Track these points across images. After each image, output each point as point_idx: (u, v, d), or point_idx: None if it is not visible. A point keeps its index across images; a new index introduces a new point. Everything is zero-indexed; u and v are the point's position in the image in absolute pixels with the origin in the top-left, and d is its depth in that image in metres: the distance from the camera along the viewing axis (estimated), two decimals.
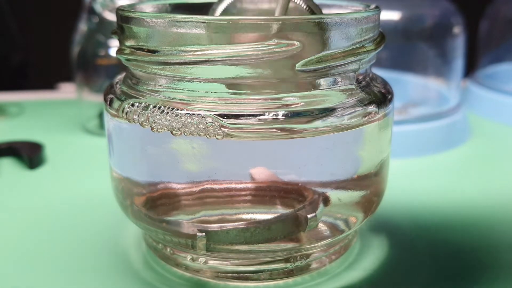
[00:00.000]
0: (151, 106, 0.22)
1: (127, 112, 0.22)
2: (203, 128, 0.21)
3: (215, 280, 0.25)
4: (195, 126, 0.21)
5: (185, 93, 0.22)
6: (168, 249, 0.25)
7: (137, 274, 0.25)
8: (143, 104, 0.22)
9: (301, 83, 0.22)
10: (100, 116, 0.47)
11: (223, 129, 0.20)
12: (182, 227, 0.23)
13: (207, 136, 0.21)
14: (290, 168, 0.23)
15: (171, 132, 0.21)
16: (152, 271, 0.26)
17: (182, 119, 0.21)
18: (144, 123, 0.22)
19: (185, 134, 0.21)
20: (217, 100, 0.21)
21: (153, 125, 0.21)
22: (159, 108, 0.21)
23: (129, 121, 0.22)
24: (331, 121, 0.21)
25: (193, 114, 0.21)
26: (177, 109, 0.21)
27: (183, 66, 0.21)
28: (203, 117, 0.21)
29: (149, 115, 0.21)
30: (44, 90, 0.65)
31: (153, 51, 0.22)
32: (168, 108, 0.21)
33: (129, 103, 0.22)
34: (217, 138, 0.20)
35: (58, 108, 0.55)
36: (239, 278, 0.24)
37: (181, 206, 0.24)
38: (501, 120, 0.50)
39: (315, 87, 0.22)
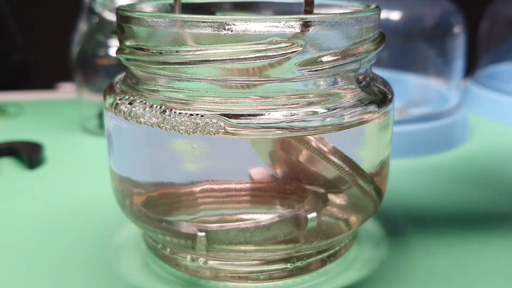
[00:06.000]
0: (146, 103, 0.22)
1: (116, 104, 0.22)
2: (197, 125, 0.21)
3: (214, 280, 0.25)
4: (183, 123, 0.21)
5: (185, 93, 0.22)
6: (168, 250, 0.25)
7: (136, 274, 0.25)
8: (131, 98, 0.22)
9: (301, 83, 0.22)
10: (100, 116, 0.47)
11: (224, 127, 0.20)
12: (182, 227, 0.23)
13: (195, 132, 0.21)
14: (290, 168, 0.23)
15: (158, 126, 0.21)
16: (152, 271, 0.26)
17: (171, 116, 0.21)
18: (130, 118, 0.22)
19: (167, 129, 0.21)
20: (217, 100, 0.21)
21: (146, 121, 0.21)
22: (160, 107, 0.21)
23: (116, 114, 0.23)
24: (331, 120, 0.21)
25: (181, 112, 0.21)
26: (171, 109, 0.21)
27: (183, 66, 0.21)
28: (195, 114, 0.21)
29: (136, 110, 0.22)
30: (44, 90, 0.65)
31: (153, 51, 0.22)
32: (159, 106, 0.21)
33: (120, 98, 0.23)
34: (210, 134, 0.20)
35: (58, 108, 0.55)
36: (239, 278, 0.24)
37: (181, 206, 0.24)
38: (501, 120, 0.50)
39: (315, 87, 0.22)
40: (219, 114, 0.20)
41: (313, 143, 0.23)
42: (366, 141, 0.24)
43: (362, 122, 0.22)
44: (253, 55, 0.20)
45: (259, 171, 0.23)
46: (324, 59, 0.21)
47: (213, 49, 0.20)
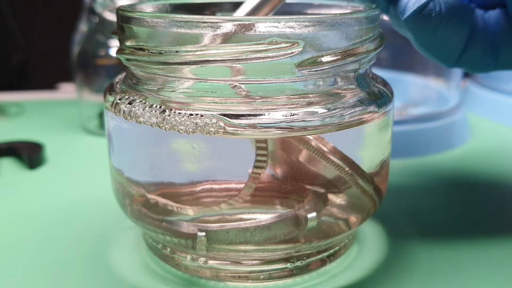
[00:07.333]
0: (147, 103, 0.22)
1: (116, 104, 0.22)
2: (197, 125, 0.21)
3: (214, 280, 0.25)
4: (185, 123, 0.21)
5: (185, 93, 0.22)
6: (168, 249, 0.25)
7: (136, 274, 0.25)
8: (131, 98, 0.22)
9: (301, 83, 0.22)
10: (100, 116, 0.47)
11: (224, 127, 0.20)
12: (182, 227, 0.23)
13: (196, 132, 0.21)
14: (290, 168, 0.24)
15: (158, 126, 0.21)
16: (152, 271, 0.26)
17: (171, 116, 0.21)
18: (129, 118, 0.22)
19: (165, 129, 0.21)
20: (217, 100, 0.21)
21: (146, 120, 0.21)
22: (160, 107, 0.21)
23: (116, 114, 0.23)
24: (331, 120, 0.21)
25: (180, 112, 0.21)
26: (171, 109, 0.21)
27: (183, 66, 0.21)
28: (194, 114, 0.21)
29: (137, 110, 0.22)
30: (44, 90, 0.65)
31: (153, 51, 0.22)
32: (158, 106, 0.21)
33: (120, 98, 0.23)
34: (211, 134, 0.20)
35: (58, 108, 0.55)
36: (239, 278, 0.24)
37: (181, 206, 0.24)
38: (501, 120, 0.50)
39: (315, 87, 0.22)
40: (219, 114, 0.20)
41: (313, 143, 0.23)
42: (366, 141, 0.24)
43: (362, 122, 0.22)
44: (253, 55, 0.20)
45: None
46: (324, 59, 0.21)
47: (213, 49, 0.20)
